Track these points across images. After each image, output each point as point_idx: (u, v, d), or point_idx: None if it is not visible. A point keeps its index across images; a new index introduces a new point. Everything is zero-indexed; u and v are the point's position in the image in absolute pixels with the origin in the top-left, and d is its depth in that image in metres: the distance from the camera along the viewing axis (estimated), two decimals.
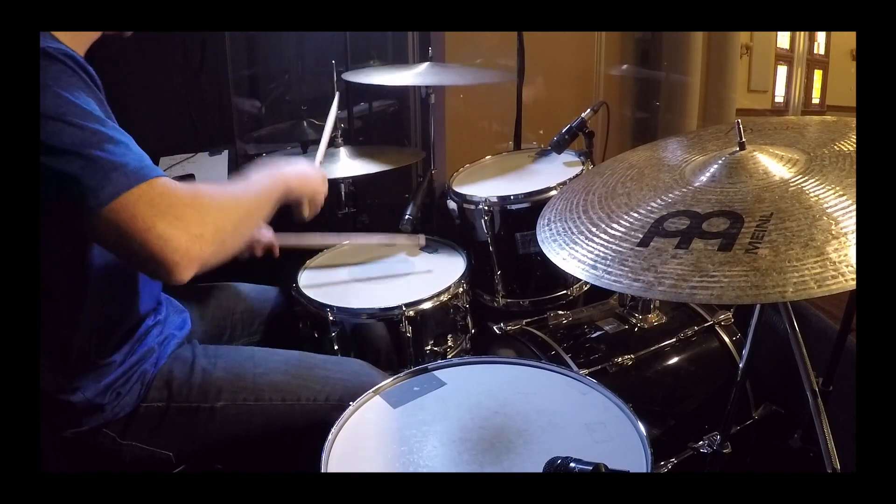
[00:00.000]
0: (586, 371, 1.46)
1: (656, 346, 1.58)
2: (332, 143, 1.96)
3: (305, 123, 2.37)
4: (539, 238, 1.04)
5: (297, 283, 1.65)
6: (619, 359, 1.51)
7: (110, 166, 0.94)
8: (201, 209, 1.00)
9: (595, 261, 0.91)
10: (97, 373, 1.16)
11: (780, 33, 2.87)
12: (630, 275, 0.85)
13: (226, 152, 2.30)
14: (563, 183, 1.71)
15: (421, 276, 1.69)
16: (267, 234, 1.54)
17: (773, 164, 0.95)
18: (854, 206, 0.82)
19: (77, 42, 1.10)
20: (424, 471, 0.99)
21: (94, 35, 1.13)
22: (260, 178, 1.20)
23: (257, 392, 1.27)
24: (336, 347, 1.53)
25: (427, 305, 1.54)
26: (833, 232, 0.79)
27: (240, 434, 1.26)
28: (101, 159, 0.94)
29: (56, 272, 1.03)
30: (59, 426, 1.17)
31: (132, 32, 1.17)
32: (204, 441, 1.25)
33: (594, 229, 0.97)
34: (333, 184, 2.00)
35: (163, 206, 0.96)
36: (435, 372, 1.23)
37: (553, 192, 1.68)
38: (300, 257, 1.76)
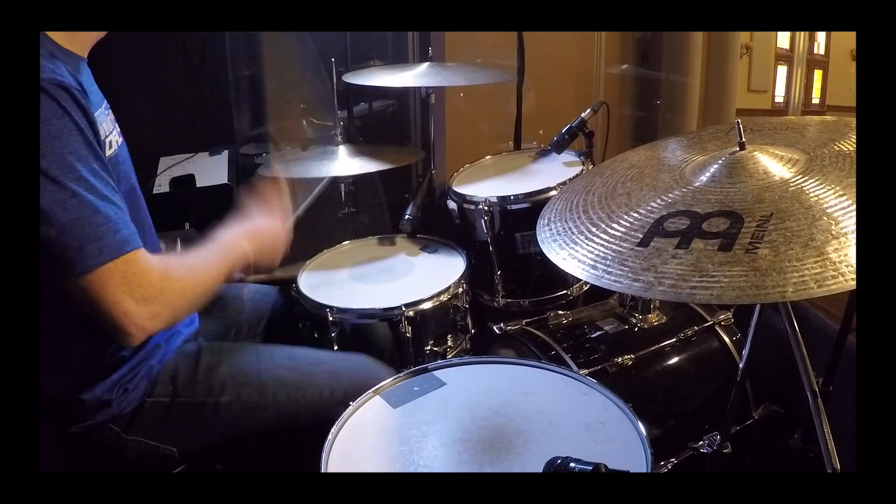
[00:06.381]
0: (586, 371, 1.46)
1: (656, 346, 1.58)
2: (332, 142, 1.96)
3: (305, 123, 2.37)
4: (539, 238, 1.03)
5: (296, 283, 1.65)
6: (619, 359, 1.51)
7: (85, 238, 0.95)
8: (167, 291, 1.05)
9: (595, 261, 0.91)
10: (106, 370, 1.17)
11: (780, 33, 2.87)
12: (630, 275, 0.85)
13: (226, 152, 2.30)
14: (563, 183, 1.71)
15: (421, 276, 1.69)
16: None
17: (773, 164, 0.95)
18: (854, 206, 0.82)
19: (79, 43, 1.10)
20: (424, 471, 0.99)
21: (96, 35, 1.13)
22: (224, 252, 1.20)
23: (262, 387, 1.27)
24: (336, 348, 1.52)
25: (427, 305, 1.54)
26: (833, 232, 0.79)
27: (244, 430, 1.26)
28: (76, 229, 0.95)
29: None
30: (66, 422, 1.17)
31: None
32: (208, 436, 1.25)
33: (594, 229, 0.97)
34: (334, 184, 2.01)
35: (133, 284, 1.00)
36: (435, 372, 1.23)
37: (553, 192, 1.68)
38: (300, 258, 1.76)
